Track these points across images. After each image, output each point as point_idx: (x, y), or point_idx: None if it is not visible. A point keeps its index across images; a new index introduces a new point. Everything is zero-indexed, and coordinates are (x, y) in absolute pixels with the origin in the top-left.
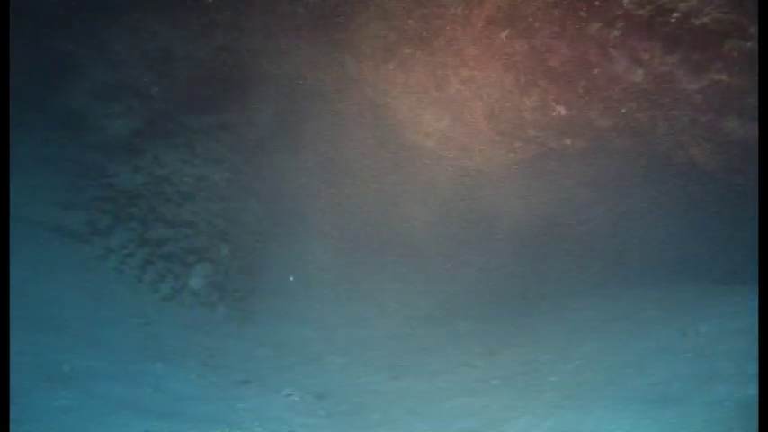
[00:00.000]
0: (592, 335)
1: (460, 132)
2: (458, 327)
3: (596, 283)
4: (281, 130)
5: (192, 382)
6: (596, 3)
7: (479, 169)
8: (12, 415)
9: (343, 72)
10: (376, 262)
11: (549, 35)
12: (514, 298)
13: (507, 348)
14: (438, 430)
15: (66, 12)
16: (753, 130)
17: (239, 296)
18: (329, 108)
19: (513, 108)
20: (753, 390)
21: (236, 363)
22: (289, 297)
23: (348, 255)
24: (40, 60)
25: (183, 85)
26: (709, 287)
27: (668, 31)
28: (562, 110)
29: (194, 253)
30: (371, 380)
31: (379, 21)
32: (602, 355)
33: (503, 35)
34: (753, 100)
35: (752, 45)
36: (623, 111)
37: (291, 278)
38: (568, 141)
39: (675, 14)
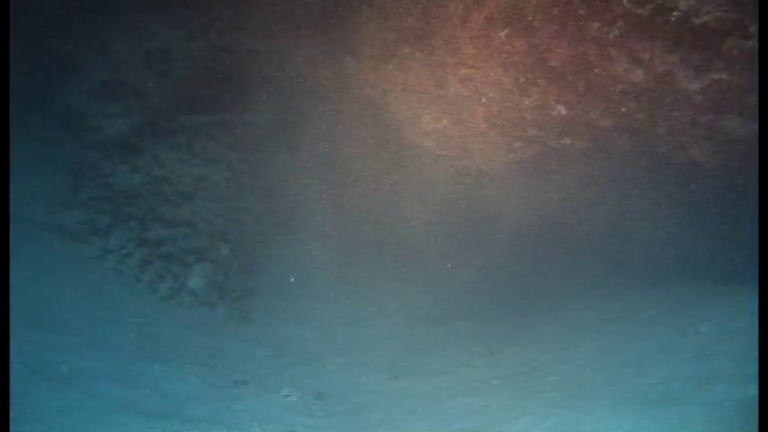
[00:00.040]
0: (592, 335)
1: (460, 132)
2: (458, 327)
3: (596, 283)
4: (280, 129)
5: (191, 383)
6: (596, 2)
7: (479, 169)
8: (12, 415)
9: (342, 72)
10: (376, 262)
11: (548, 34)
12: (514, 298)
13: (507, 348)
14: (438, 430)
15: (66, 12)
16: (753, 129)
17: (238, 296)
18: (329, 108)
19: (513, 108)
20: (753, 390)
21: (236, 363)
22: (288, 297)
23: (348, 255)
24: (40, 60)
25: (182, 85)
26: (710, 287)
27: (668, 30)
28: (562, 109)
29: (193, 253)
30: (371, 380)
31: (379, 20)
32: (602, 355)
33: (502, 34)
34: (753, 99)
35: (752, 44)
36: (623, 110)
37: (292, 279)
38: (568, 141)
39: (675, 13)
